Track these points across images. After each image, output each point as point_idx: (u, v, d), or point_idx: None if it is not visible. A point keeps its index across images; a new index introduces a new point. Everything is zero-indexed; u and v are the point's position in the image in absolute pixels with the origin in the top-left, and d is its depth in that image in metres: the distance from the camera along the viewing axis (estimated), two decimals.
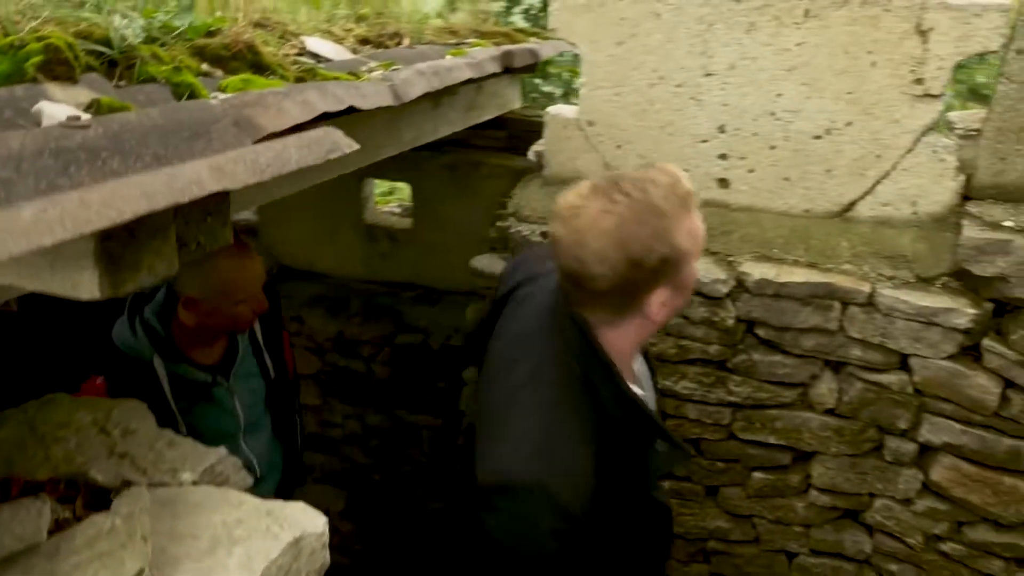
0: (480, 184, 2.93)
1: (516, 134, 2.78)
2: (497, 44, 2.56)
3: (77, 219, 0.53)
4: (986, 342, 2.10)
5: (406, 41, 2.17)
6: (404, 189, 4.08)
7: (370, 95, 1.26)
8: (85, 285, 0.67)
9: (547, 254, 1.57)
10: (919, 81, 2.06)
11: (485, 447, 1.41)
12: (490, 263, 2.42)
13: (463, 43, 2.52)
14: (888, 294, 2.10)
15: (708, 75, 2.18)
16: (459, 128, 2.34)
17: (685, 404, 2.38)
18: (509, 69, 2.39)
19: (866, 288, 2.11)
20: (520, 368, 1.42)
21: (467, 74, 1.83)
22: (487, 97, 2.55)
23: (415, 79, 1.48)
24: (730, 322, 2.21)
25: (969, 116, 2.20)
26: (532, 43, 2.71)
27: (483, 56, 2.07)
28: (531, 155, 2.60)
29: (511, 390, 1.40)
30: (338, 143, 0.85)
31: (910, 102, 2.09)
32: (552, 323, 1.43)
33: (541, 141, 2.55)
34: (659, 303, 1.34)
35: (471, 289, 2.52)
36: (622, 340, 1.39)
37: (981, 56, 2.03)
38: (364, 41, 2.04)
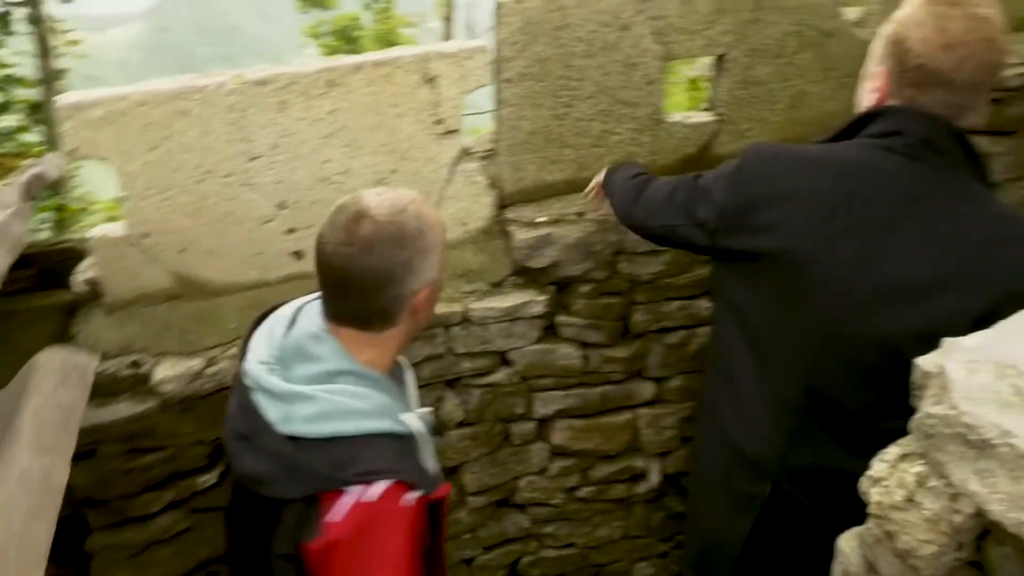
0: (21, 334, 2.54)
1: (47, 267, 2.46)
2: None
3: None
4: (559, 318, 2.49)
5: None
6: None
7: None
8: None
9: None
10: (439, 122, 2.33)
11: None
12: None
13: None
14: (477, 307, 2.36)
15: (254, 159, 2.20)
16: None
17: None
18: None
19: (459, 308, 2.34)
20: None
21: (21, 226, 1.61)
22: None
23: None
24: None
25: (482, 138, 2.54)
26: (31, 165, 2.43)
27: (11, 198, 1.83)
28: (79, 284, 2.34)
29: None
30: None
31: (437, 140, 2.35)
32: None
33: (88, 267, 2.32)
34: None
35: None
36: None
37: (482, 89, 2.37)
38: None
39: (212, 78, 2.10)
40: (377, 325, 1.40)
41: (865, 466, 1.64)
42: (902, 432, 1.48)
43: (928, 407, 0.88)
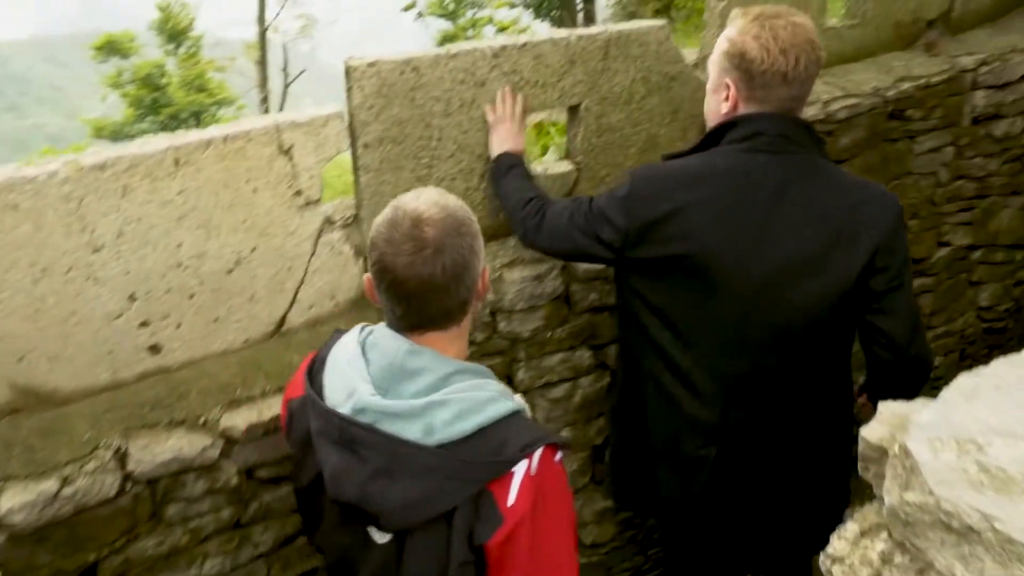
0: None
1: None
2: None
3: None
4: None
5: None
6: None
7: None
8: None
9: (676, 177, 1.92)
10: (298, 193, 2.21)
11: None
12: None
13: None
14: None
15: (97, 250, 2.00)
16: None
17: None
18: None
19: None
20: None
21: None
22: None
23: None
24: (234, 480, 2.11)
25: (342, 206, 2.42)
26: None
27: None
28: None
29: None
30: None
31: (297, 213, 2.23)
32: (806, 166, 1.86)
33: None
34: None
35: None
36: None
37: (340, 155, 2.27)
38: None
39: (43, 167, 1.89)
40: (458, 317, 1.51)
41: (793, 421, 1.97)
42: (823, 393, 1.90)
43: (900, 493, 0.88)
